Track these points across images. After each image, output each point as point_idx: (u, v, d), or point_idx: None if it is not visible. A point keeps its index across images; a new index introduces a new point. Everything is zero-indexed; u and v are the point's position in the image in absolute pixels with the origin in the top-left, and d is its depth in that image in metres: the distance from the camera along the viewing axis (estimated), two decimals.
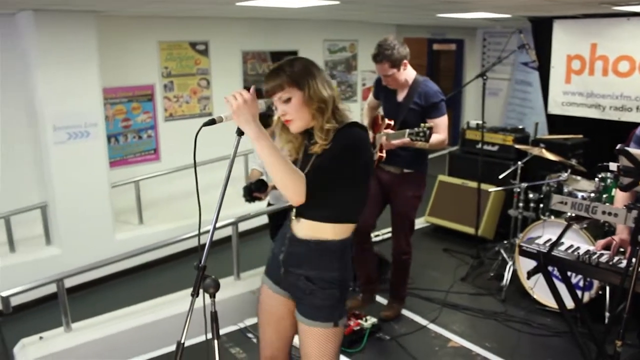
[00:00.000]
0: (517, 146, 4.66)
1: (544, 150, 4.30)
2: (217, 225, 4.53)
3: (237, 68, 7.13)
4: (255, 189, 2.73)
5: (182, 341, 1.81)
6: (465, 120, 6.73)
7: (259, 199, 2.80)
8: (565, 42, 5.66)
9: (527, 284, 4.00)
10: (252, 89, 1.91)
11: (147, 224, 6.05)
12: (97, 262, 3.99)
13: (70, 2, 4.39)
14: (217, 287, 1.80)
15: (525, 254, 2.70)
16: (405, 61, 3.45)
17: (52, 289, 3.76)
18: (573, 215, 3.10)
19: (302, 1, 4.71)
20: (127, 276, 5.59)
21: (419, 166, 3.66)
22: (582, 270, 2.61)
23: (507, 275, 4.20)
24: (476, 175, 4.90)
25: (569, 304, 2.94)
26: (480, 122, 5.30)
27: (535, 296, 3.94)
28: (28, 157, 5.48)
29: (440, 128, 3.49)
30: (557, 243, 2.62)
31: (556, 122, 5.76)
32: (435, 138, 3.44)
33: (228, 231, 4.29)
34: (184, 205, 5.75)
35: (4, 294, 3.47)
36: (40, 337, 3.65)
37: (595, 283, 3.63)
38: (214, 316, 1.81)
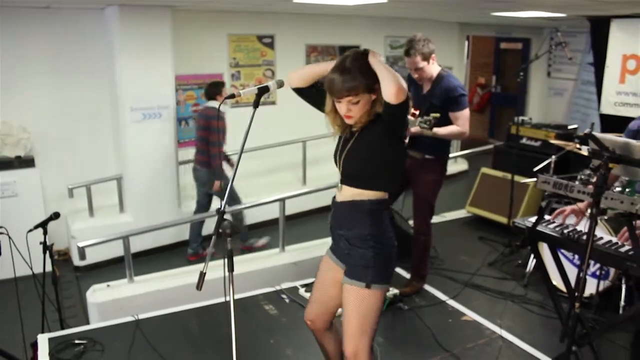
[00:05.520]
0: (552, 141, 4.80)
1: (577, 146, 4.43)
2: (266, 201, 5.05)
3: (301, 60, 7.58)
4: None
5: (204, 271, 2.25)
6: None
7: None
8: (621, 41, 5.66)
9: (549, 271, 4.16)
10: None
11: None
12: (157, 224, 4.57)
13: None
14: (232, 228, 2.22)
15: (517, 229, 2.96)
16: (433, 55, 3.74)
17: (120, 252, 4.35)
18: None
19: None
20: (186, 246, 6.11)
21: (440, 153, 3.89)
22: (567, 245, 2.83)
23: (531, 263, 4.38)
24: (518, 169, 5.09)
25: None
26: (525, 118, 5.50)
27: (554, 282, 4.10)
28: (109, 134, 6.20)
29: (460, 121, 3.73)
30: (541, 219, 2.86)
31: (610, 123, 5.78)
32: (450, 129, 3.72)
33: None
34: (245, 184, 6.23)
35: (80, 244, 4.12)
36: (108, 285, 4.28)
37: (612, 272, 3.76)
38: (230, 253, 2.24)
